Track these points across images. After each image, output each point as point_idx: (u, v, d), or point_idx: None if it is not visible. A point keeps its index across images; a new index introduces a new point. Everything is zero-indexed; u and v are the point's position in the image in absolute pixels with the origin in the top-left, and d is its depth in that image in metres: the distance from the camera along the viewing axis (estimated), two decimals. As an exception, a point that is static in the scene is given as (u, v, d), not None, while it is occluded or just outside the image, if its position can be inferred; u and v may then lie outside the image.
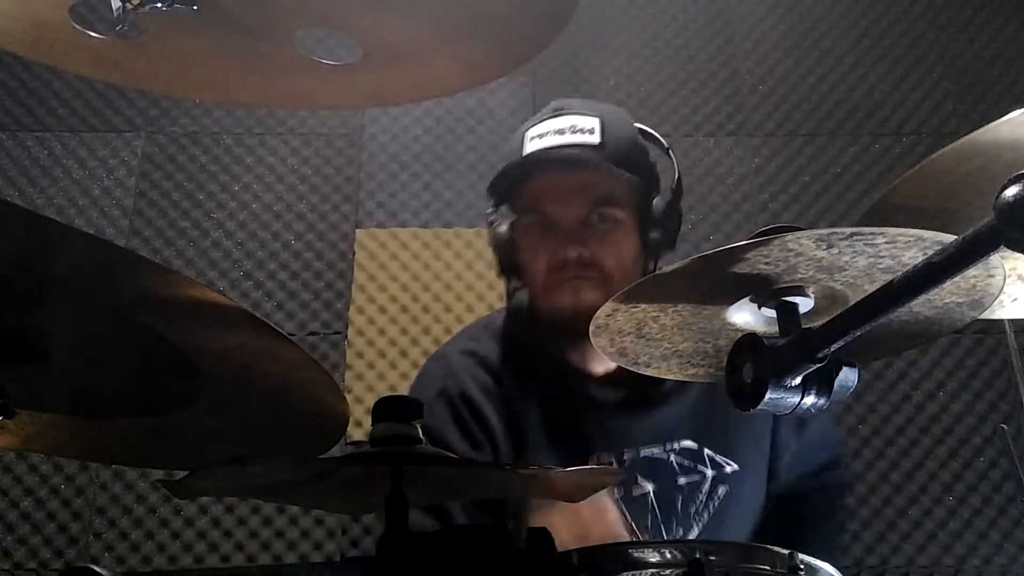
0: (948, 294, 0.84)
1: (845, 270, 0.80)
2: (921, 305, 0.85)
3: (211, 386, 0.98)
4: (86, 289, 0.85)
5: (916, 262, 0.69)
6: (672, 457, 1.46)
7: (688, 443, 1.47)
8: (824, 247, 0.77)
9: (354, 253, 2.57)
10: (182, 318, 0.89)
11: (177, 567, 2.26)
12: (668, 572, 0.91)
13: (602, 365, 1.46)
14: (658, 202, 1.43)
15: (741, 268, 0.81)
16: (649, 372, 0.99)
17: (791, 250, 0.78)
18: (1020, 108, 0.78)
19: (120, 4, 0.97)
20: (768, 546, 0.96)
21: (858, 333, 0.74)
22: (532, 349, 1.48)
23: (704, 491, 1.47)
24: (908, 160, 2.66)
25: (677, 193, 1.46)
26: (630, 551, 0.95)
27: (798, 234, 0.76)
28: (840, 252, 0.78)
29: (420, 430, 1.06)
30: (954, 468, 2.40)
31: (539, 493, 1.29)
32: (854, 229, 0.75)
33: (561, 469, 1.07)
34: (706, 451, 1.47)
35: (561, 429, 1.47)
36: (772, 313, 0.85)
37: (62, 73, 2.63)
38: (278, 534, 2.33)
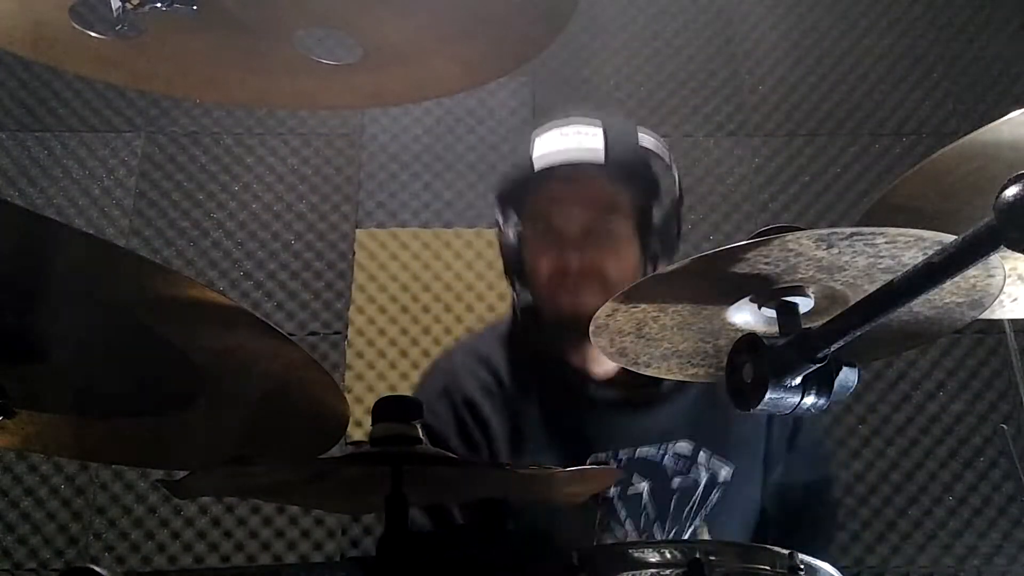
0: (948, 294, 0.84)
1: (845, 270, 0.80)
2: (921, 305, 0.85)
3: (211, 386, 0.98)
4: (86, 289, 0.85)
5: (916, 262, 0.69)
6: (667, 459, 1.48)
7: (684, 445, 1.50)
8: (824, 247, 0.77)
9: (354, 253, 2.57)
10: (182, 318, 0.89)
11: (177, 567, 2.26)
12: (668, 572, 0.91)
13: (602, 367, 1.49)
14: (659, 212, 1.47)
15: (741, 268, 0.81)
16: (649, 372, 0.99)
17: (791, 250, 0.78)
18: (1020, 108, 0.78)
19: (120, 4, 0.96)
20: (768, 546, 0.96)
21: (858, 333, 0.74)
22: (534, 351, 1.52)
23: (698, 493, 1.49)
24: (908, 160, 2.66)
25: (677, 203, 1.50)
26: (630, 551, 0.95)
27: (798, 234, 0.76)
28: (840, 252, 0.78)
29: (420, 430, 1.06)
30: (954, 468, 2.40)
31: (539, 493, 1.29)
32: (854, 229, 0.75)
33: (561, 469, 1.07)
34: (701, 454, 1.49)
35: (560, 429, 1.50)
36: (772, 313, 0.85)
37: (62, 73, 2.63)
38: (278, 534, 2.33)
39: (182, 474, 1.04)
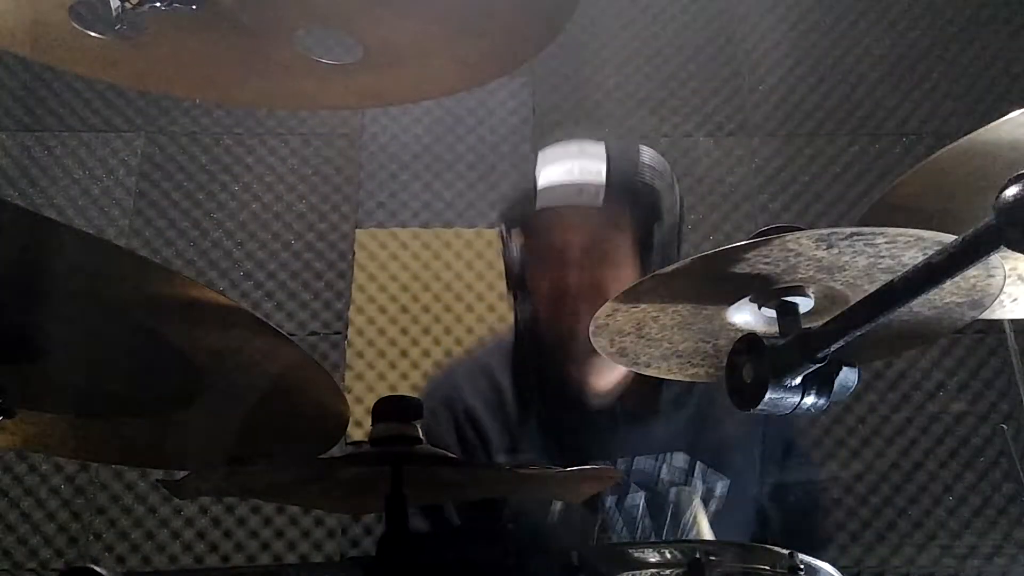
0: (948, 294, 0.84)
1: (845, 270, 0.80)
2: (921, 305, 0.85)
3: (211, 386, 0.98)
4: (86, 289, 0.85)
5: (916, 262, 0.69)
6: (664, 471, 1.51)
7: (680, 458, 1.53)
8: (824, 247, 0.77)
9: (354, 253, 2.57)
10: (182, 318, 0.89)
11: (177, 567, 2.26)
12: (668, 572, 0.91)
13: (601, 382, 1.52)
14: (659, 233, 1.50)
15: (741, 268, 0.81)
16: (649, 372, 0.99)
17: (791, 250, 0.78)
18: (1020, 108, 0.78)
19: (120, 4, 0.96)
20: (768, 546, 0.96)
21: (858, 333, 0.74)
22: (535, 363, 1.56)
23: (694, 504, 1.50)
24: (908, 160, 2.66)
25: (678, 224, 1.54)
26: (630, 551, 0.95)
27: (798, 234, 0.76)
28: (840, 252, 0.78)
29: (420, 431, 1.06)
30: (954, 468, 2.40)
31: (539, 493, 1.29)
32: (854, 229, 0.75)
33: (561, 469, 1.07)
34: (698, 466, 1.52)
35: (558, 441, 1.53)
36: (772, 313, 0.85)
37: (62, 73, 2.63)
38: (278, 534, 2.33)
39: (182, 474, 1.04)
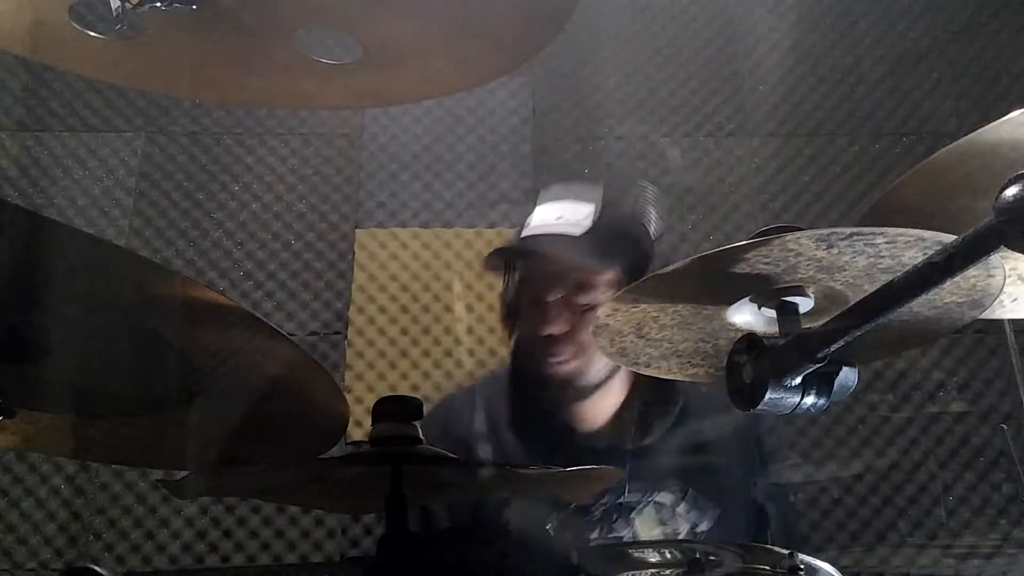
0: (948, 294, 0.84)
1: (845, 270, 0.80)
2: (921, 305, 0.85)
3: (211, 386, 0.98)
4: (86, 289, 0.85)
5: (916, 262, 0.69)
6: (648, 509, 1.52)
7: (666, 496, 1.55)
8: (824, 247, 0.77)
9: (354, 253, 2.57)
10: (182, 318, 0.89)
11: (177, 567, 2.26)
12: (668, 572, 0.91)
13: (588, 423, 1.58)
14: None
15: (741, 268, 0.81)
16: (649, 372, 0.99)
17: (791, 250, 0.78)
18: (1020, 108, 0.78)
19: (120, 4, 0.96)
20: (768, 546, 0.96)
21: (858, 333, 0.74)
22: (525, 399, 1.62)
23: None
24: (908, 160, 2.66)
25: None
26: (630, 551, 0.95)
27: (798, 234, 0.76)
28: (840, 252, 0.77)
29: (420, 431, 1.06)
30: (954, 468, 2.40)
31: (539, 493, 1.29)
32: (854, 229, 0.75)
33: (561, 469, 1.07)
34: (683, 505, 1.55)
35: None
36: (772, 313, 0.85)
37: (62, 73, 2.63)
38: (278, 534, 2.33)
39: (182, 474, 1.04)
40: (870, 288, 0.78)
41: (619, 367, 1.56)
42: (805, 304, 0.84)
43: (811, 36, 2.83)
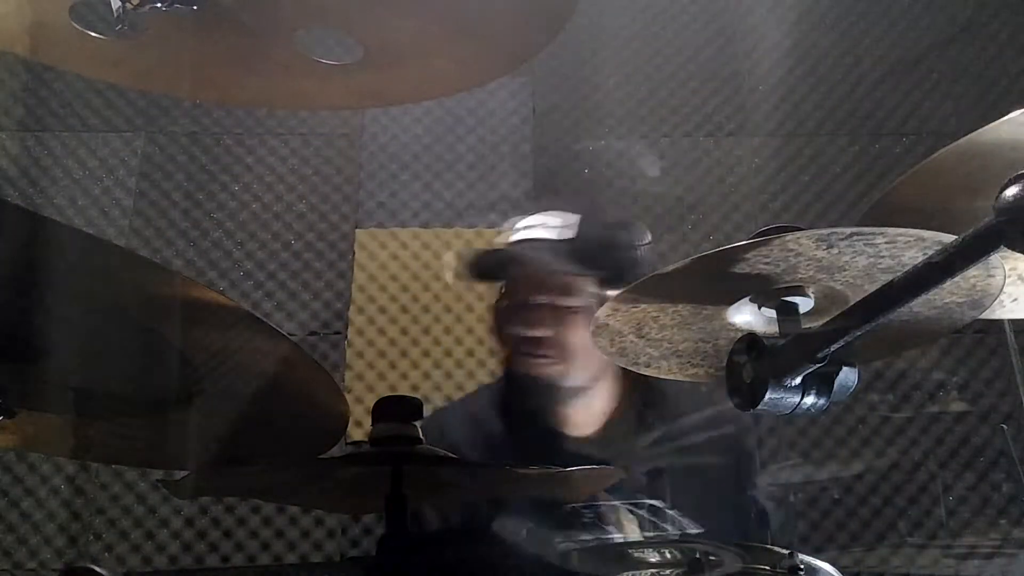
0: (948, 294, 0.84)
1: (845, 270, 0.80)
2: (921, 305, 0.85)
3: (211, 386, 0.98)
4: (86, 289, 0.85)
5: (916, 262, 0.69)
6: (637, 511, 1.53)
7: (655, 502, 1.55)
8: (824, 247, 0.77)
9: (354, 253, 2.57)
10: (182, 318, 0.89)
11: (177, 567, 2.26)
12: (668, 572, 0.91)
13: (576, 426, 1.61)
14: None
15: (741, 268, 0.80)
16: (649, 372, 0.99)
17: (791, 250, 0.78)
18: (1020, 108, 0.78)
19: (120, 4, 0.96)
20: (768, 546, 0.96)
21: (858, 333, 0.74)
22: (514, 404, 1.66)
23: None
24: (908, 160, 2.66)
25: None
26: (630, 551, 0.95)
27: (798, 234, 0.76)
28: (840, 252, 0.77)
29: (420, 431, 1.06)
30: (954, 468, 2.40)
31: (539, 493, 1.29)
32: (854, 229, 0.75)
33: (561, 469, 1.07)
34: (671, 513, 1.54)
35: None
36: (772, 313, 0.85)
37: (62, 73, 2.63)
38: (278, 534, 2.33)
39: (182, 474, 1.04)
40: (870, 288, 0.78)
41: (608, 370, 1.59)
42: (805, 304, 0.84)
43: (811, 36, 2.83)
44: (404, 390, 2.40)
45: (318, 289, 2.54)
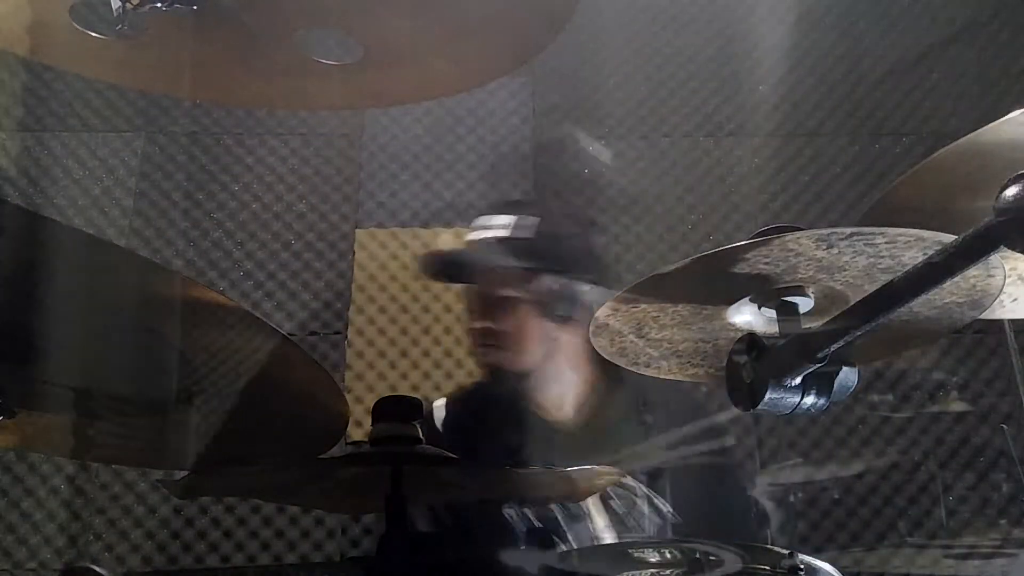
0: (948, 294, 0.84)
1: (845, 270, 0.80)
2: (921, 305, 0.85)
3: (211, 386, 0.98)
4: (86, 289, 0.85)
5: (916, 262, 0.69)
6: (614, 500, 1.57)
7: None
8: (824, 247, 0.77)
9: (354, 253, 2.57)
10: (182, 318, 0.89)
11: (177, 567, 2.26)
12: (668, 572, 0.91)
13: (555, 409, 1.68)
14: (556, 283, 1.68)
15: (741, 268, 0.81)
16: (649, 372, 0.99)
17: (791, 250, 0.78)
18: (1020, 108, 0.78)
19: (120, 4, 0.96)
20: (768, 546, 0.96)
21: (858, 333, 0.74)
22: (480, 397, 1.78)
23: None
24: (908, 160, 2.66)
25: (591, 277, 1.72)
26: (630, 551, 0.95)
27: (798, 234, 0.76)
28: (840, 252, 0.77)
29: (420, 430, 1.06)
30: (954, 468, 2.39)
31: (538, 493, 1.29)
32: (854, 229, 0.75)
33: (561, 469, 1.07)
34: (651, 500, 1.58)
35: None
36: (772, 313, 0.85)
37: (62, 73, 2.63)
38: (278, 534, 2.33)
39: (182, 474, 1.04)
40: (870, 288, 0.78)
41: (557, 353, 1.66)
42: (805, 304, 0.84)
43: (811, 36, 2.83)
44: (404, 390, 2.40)
45: (318, 289, 2.54)
